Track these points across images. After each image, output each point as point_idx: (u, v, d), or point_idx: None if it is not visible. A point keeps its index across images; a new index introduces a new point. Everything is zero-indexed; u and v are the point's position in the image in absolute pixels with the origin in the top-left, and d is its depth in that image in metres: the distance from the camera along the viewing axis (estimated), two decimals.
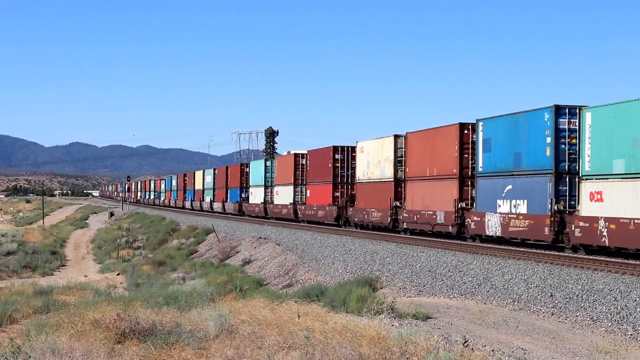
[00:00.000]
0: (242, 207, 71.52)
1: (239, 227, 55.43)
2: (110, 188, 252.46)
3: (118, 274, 43.48)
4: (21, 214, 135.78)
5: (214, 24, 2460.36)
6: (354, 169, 46.87)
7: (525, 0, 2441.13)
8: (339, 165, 48.21)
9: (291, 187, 56.31)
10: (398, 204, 39.32)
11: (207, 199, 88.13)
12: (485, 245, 31.23)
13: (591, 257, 25.44)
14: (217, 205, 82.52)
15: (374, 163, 42.29)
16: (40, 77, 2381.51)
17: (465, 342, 13.36)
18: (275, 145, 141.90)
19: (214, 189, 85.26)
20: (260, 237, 43.97)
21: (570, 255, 26.09)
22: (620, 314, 17.36)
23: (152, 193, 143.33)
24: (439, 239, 34.21)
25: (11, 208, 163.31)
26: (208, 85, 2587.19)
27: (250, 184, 70.09)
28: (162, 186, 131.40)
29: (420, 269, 26.42)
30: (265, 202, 63.41)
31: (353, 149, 47.22)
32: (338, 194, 48.00)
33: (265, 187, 63.91)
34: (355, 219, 44.93)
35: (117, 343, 13.75)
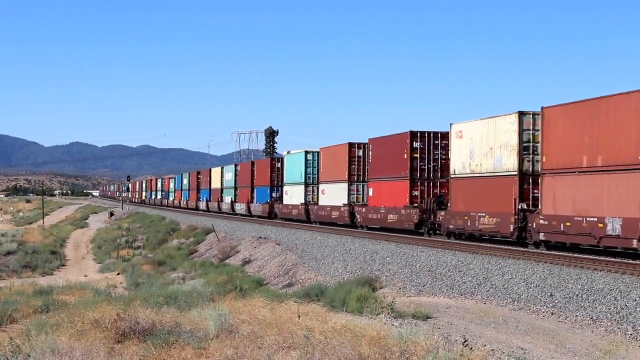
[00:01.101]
0: (274, 209, 61.38)
1: (239, 226, 55.43)
2: (111, 188, 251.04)
3: (118, 274, 43.53)
4: (21, 214, 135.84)
5: (214, 24, 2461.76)
6: (437, 160, 38.35)
7: (525, 0, 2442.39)
8: (418, 156, 38.41)
9: (345, 185, 47.01)
10: (525, 206, 30.07)
11: (227, 199, 78.20)
12: (484, 245, 30.98)
13: (591, 257, 25.42)
14: (240, 207, 72.20)
15: (481, 151, 32.80)
16: (40, 77, 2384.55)
17: (465, 341, 13.34)
18: (275, 145, 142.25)
19: (235, 188, 75.68)
20: (260, 237, 43.99)
21: (570, 255, 26.00)
22: (620, 313, 17.37)
23: (159, 193, 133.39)
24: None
25: (11, 208, 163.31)
26: (208, 85, 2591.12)
27: (285, 181, 59.89)
28: (171, 185, 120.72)
29: (420, 268, 26.42)
30: (306, 203, 53.88)
31: (437, 135, 38.49)
32: (417, 192, 38.26)
33: (306, 185, 54.44)
34: (450, 226, 34.88)
35: (117, 343, 13.74)
